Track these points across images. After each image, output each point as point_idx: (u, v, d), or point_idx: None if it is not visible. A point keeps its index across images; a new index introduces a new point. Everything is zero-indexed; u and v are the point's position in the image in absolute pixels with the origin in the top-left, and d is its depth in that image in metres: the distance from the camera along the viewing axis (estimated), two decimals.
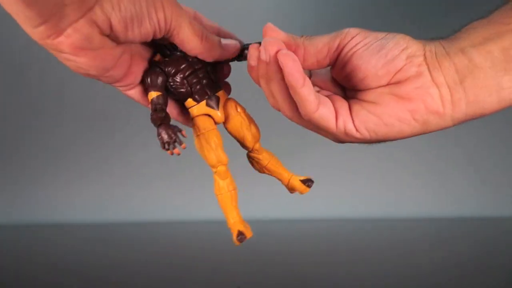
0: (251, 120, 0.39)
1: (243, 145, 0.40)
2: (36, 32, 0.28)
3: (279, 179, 0.42)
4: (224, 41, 0.36)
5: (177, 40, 0.34)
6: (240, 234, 0.39)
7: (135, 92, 0.36)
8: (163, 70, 0.36)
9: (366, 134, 0.32)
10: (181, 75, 0.37)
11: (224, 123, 0.39)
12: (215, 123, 0.38)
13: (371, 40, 0.32)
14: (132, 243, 0.64)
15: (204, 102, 0.38)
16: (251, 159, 0.41)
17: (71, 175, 0.82)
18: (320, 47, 0.33)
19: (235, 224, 0.39)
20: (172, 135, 0.35)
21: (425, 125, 0.32)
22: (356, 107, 0.32)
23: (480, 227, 0.76)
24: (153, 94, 0.36)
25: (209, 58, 0.35)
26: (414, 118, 0.31)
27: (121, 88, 0.35)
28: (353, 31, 0.32)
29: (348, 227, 0.76)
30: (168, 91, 0.37)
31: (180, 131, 0.35)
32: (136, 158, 0.80)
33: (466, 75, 0.30)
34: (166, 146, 0.35)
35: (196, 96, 0.38)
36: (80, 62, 0.30)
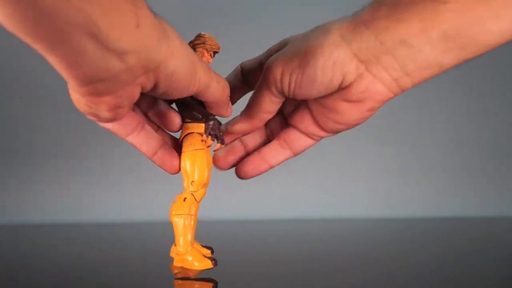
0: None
1: None
2: (81, 90, 0.25)
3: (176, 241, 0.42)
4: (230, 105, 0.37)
5: (204, 97, 0.33)
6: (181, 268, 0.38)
7: (114, 124, 0.33)
8: None
9: (330, 133, 0.37)
10: None
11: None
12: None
13: (297, 75, 0.32)
14: (133, 243, 0.64)
15: (201, 122, 0.38)
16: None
17: (71, 175, 0.82)
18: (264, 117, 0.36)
19: (186, 253, 0.38)
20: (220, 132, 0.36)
21: (378, 108, 0.33)
22: (319, 116, 0.35)
23: (480, 227, 0.76)
24: None
25: (224, 114, 0.36)
26: (370, 112, 0.33)
27: (106, 123, 0.32)
28: (275, 71, 0.33)
29: (348, 227, 0.76)
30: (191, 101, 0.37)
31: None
32: (136, 158, 0.80)
33: (407, 63, 0.30)
34: (219, 140, 0.36)
35: (193, 116, 0.38)
36: (104, 114, 0.28)
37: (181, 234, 0.38)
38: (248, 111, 0.36)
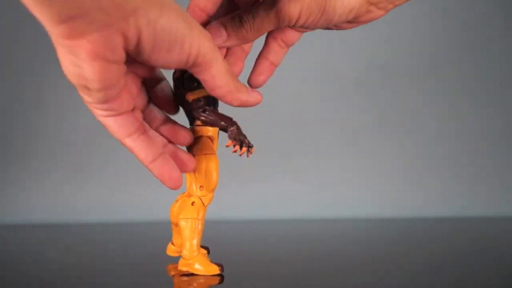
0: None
1: None
2: (56, 29, 0.25)
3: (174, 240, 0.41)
4: (248, 87, 0.35)
5: (206, 75, 0.31)
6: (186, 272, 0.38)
7: (113, 121, 0.32)
8: None
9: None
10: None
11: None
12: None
13: (314, 17, 0.34)
14: (132, 243, 0.64)
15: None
16: None
17: (70, 175, 0.82)
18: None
19: (192, 258, 0.38)
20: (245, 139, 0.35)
21: None
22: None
23: (480, 227, 0.76)
24: (206, 92, 0.36)
25: (236, 101, 0.33)
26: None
27: (101, 112, 0.32)
28: (293, 13, 0.33)
29: (348, 227, 0.76)
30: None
31: None
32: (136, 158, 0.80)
33: None
34: (246, 145, 0.35)
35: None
36: (88, 71, 0.27)
37: (187, 239, 0.38)
38: (240, 33, 0.34)
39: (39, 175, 0.81)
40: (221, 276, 0.39)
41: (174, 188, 0.35)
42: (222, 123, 0.36)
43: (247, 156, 0.35)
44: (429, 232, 0.72)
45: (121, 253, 0.56)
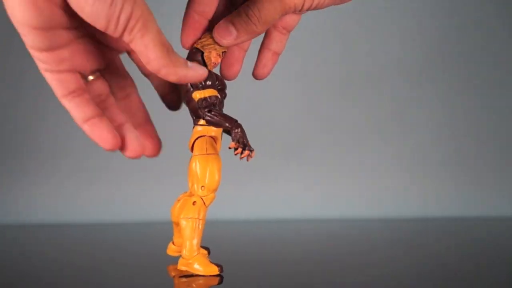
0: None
1: None
2: None
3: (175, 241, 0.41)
4: (190, 63, 0.32)
5: (138, 45, 0.29)
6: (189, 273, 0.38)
7: (52, 77, 0.32)
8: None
9: None
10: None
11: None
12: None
13: (319, 2, 0.33)
14: (132, 243, 0.64)
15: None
16: None
17: (70, 175, 0.82)
18: None
19: (192, 258, 0.38)
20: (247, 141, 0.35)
21: None
22: None
23: (480, 227, 0.76)
24: (213, 92, 0.37)
25: (172, 76, 0.30)
26: None
27: (42, 65, 0.31)
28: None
29: (348, 227, 0.76)
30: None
31: None
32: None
33: None
34: (248, 148, 0.34)
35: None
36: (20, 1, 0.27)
37: (187, 238, 0.38)
38: (249, 28, 0.34)
39: (39, 175, 0.81)
40: (220, 276, 0.38)
41: (110, 150, 0.35)
42: (227, 124, 0.36)
43: (247, 160, 0.35)
44: (429, 232, 0.72)
45: (121, 253, 0.56)
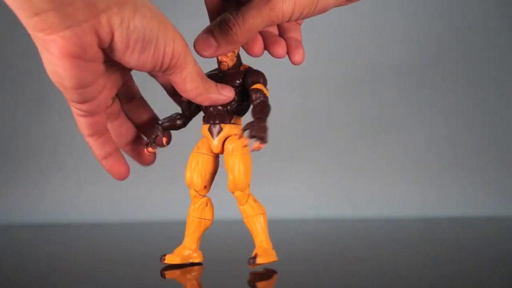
0: (241, 166, 0.38)
1: None
2: (31, 22, 0.25)
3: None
4: (219, 86, 0.35)
5: (177, 78, 0.31)
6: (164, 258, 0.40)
7: (84, 121, 0.33)
8: None
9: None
10: None
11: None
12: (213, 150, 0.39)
13: (307, 13, 0.33)
14: (132, 243, 0.64)
15: (207, 125, 0.38)
16: None
17: (71, 175, 0.82)
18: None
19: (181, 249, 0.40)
20: None
21: None
22: None
23: (480, 227, 0.76)
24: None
25: (207, 101, 0.34)
26: None
27: (78, 112, 0.33)
28: (286, 10, 0.32)
29: (348, 227, 0.76)
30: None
31: None
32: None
33: None
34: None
35: (204, 116, 0.39)
36: (61, 67, 0.27)
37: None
38: (230, 38, 0.33)
39: (40, 175, 0.81)
40: (220, 276, 0.39)
41: (120, 180, 0.40)
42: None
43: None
44: (429, 232, 0.72)
45: (121, 253, 0.56)
